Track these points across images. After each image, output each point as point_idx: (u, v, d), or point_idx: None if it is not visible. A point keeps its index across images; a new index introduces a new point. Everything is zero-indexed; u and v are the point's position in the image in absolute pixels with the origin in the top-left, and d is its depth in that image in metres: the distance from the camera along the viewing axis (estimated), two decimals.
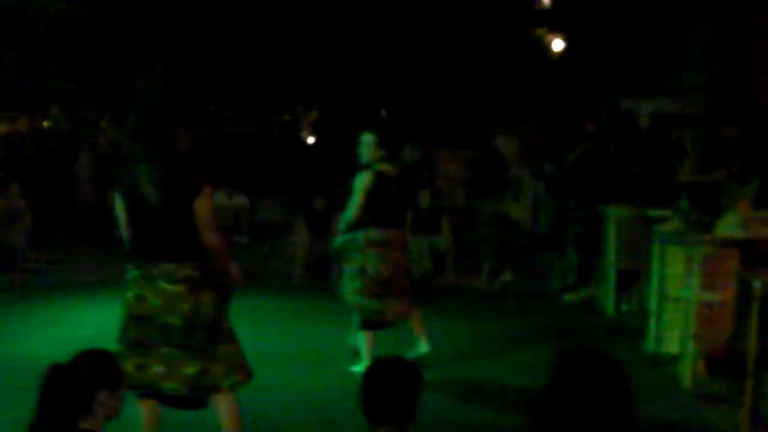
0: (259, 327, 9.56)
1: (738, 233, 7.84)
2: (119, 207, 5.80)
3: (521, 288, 12.63)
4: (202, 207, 5.63)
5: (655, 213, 9.69)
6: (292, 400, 7.61)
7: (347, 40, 22.19)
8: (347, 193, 8.42)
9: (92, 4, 21.55)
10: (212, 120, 19.20)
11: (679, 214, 8.69)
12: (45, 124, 19.60)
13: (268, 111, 20.24)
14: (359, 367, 8.11)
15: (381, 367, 4.02)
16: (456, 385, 8.06)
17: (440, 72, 21.99)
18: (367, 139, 8.33)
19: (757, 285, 6.72)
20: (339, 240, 8.54)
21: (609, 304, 10.85)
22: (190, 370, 5.66)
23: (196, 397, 5.81)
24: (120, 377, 4.24)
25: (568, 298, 11.74)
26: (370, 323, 8.30)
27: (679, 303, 8.39)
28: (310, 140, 19.77)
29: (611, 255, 10.73)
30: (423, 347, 8.62)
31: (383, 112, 20.31)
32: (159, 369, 5.67)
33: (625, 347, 9.00)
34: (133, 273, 5.76)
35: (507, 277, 12.88)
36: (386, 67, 22.24)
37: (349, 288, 8.33)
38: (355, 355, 8.46)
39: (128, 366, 5.60)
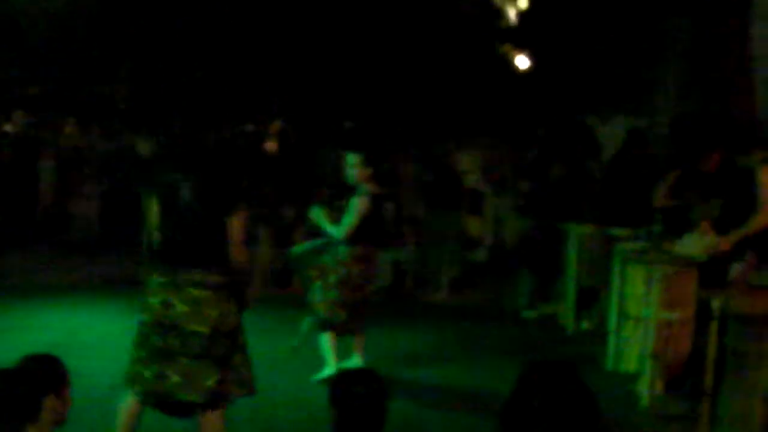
0: None
1: (698, 254, 7.89)
2: (153, 211, 5.96)
3: (481, 303, 12.66)
4: (236, 221, 5.76)
5: (617, 231, 9.73)
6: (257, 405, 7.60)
7: (312, 49, 22.18)
8: (310, 204, 8.51)
9: (57, 7, 21.46)
10: (176, 130, 19.09)
11: (652, 238, 8.71)
12: (7, 128, 19.41)
13: (232, 121, 20.14)
14: (325, 373, 8.15)
15: (347, 380, 4.02)
16: (417, 396, 8.10)
17: (405, 84, 22.02)
18: (353, 159, 8.39)
19: (715, 304, 6.77)
20: (301, 248, 8.60)
21: (569, 321, 10.86)
22: (209, 382, 5.72)
23: (210, 405, 5.83)
24: (65, 380, 4.23)
25: (528, 314, 11.75)
26: (333, 328, 8.34)
27: (639, 321, 8.41)
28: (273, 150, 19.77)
29: (572, 272, 10.76)
30: (357, 361, 8.65)
31: (347, 123, 20.24)
32: (177, 380, 5.71)
33: (584, 364, 8.88)
34: (158, 279, 5.80)
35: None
36: (352, 77, 22.25)
37: (321, 297, 8.37)
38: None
39: (147, 373, 5.75)
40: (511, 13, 21.27)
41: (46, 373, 4.13)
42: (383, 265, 12.78)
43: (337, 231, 8.35)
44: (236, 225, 5.77)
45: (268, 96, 23.10)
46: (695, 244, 7.99)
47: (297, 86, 22.62)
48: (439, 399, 8.21)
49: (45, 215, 17.54)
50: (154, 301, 5.77)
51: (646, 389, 7.93)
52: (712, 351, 6.86)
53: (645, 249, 8.60)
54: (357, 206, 8.32)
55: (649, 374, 7.92)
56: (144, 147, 17.93)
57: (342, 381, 4.02)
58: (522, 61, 21.99)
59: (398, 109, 21.51)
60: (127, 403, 5.98)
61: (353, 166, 8.40)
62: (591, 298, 10.74)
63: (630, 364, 8.69)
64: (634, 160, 11.14)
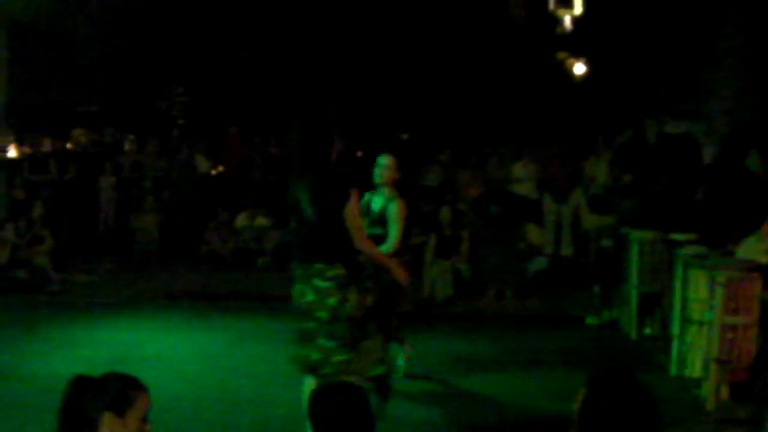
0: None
1: (762, 258, 7.80)
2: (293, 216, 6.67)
3: (542, 311, 12.61)
4: (349, 214, 6.37)
5: (678, 236, 9.65)
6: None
7: (368, 60, 22.23)
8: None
9: (114, 27, 21.68)
10: (234, 142, 19.25)
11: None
12: (68, 145, 19.67)
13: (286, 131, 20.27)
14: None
15: (324, 394, 3.95)
16: (478, 405, 8.07)
17: (462, 94, 22.00)
18: (385, 161, 8.41)
19: None
20: None
21: (632, 327, 10.80)
22: (337, 358, 6.36)
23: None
24: (130, 402, 4.09)
25: (590, 321, 11.70)
26: None
27: (702, 326, 8.32)
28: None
29: (633, 278, 10.68)
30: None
31: (405, 135, 20.31)
32: (317, 357, 6.40)
33: (648, 370, 8.92)
34: (297, 272, 6.50)
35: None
36: (409, 89, 22.26)
37: None
38: None
39: (302, 352, 6.49)
40: (566, 20, 21.19)
41: (108, 391, 4.05)
42: (444, 274, 12.82)
43: (388, 244, 8.20)
44: (350, 213, 6.37)
45: (323, 106, 23.18)
46: (756, 247, 7.89)
47: (352, 96, 22.65)
48: (499, 405, 8.16)
49: (106, 231, 17.75)
50: (295, 290, 6.50)
51: (711, 394, 7.83)
52: None
53: (707, 253, 8.54)
54: (397, 212, 8.29)
55: (713, 379, 7.82)
56: (202, 162, 18.14)
57: (319, 395, 3.95)
58: (578, 68, 21.89)
59: (454, 118, 21.49)
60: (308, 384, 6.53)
61: (386, 167, 8.43)
62: (653, 304, 10.61)
63: (694, 370, 8.57)
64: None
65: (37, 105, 20.94)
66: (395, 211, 8.29)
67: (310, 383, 6.47)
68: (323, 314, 6.35)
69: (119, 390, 4.09)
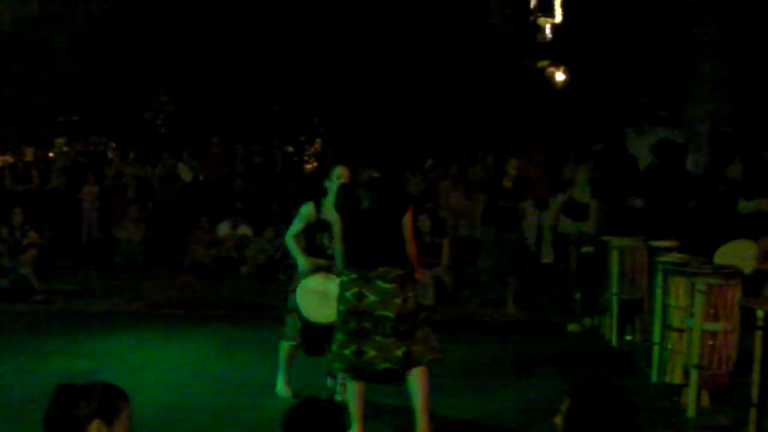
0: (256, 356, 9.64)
1: (747, 267, 7.87)
2: (337, 224, 7.20)
3: (524, 317, 12.64)
4: (407, 222, 7.07)
5: (658, 243, 9.70)
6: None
7: (352, 69, 22.27)
8: None
9: (98, 32, 21.66)
10: (217, 152, 19.27)
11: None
12: (50, 154, 19.66)
13: (272, 142, 20.30)
14: None
15: (300, 411, 3.98)
16: (457, 412, 8.08)
17: (444, 102, 22.05)
18: (341, 172, 8.28)
19: (760, 314, 6.75)
20: None
21: (612, 334, 10.85)
22: (398, 352, 6.95)
23: (401, 372, 7.06)
24: (119, 411, 4.09)
25: (572, 328, 11.73)
26: None
27: (683, 333, 8.33)
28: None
29: (614, 285, 10.73)
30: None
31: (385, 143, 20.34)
32: (374, 353, 6.94)
33: (628, 377, 9.02)
34: (351, 276, 6.99)
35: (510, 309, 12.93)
36: (391, 99, 22.30)
37: None
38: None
39: (347, 352, 7.01)
40: (547, 28, 21.30)
41: (96, 399, 4.05)
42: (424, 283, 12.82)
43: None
44: (408, 224, 7.08)
45: (308, 116, 23.24)
46: (741, 255, 7.96)
47: (335, 105, 22.70)
48: (479, 412, 8.16)
49: (89, 240, 17.73)
50: (348, 294, 6.97)
51: (692, 401, 7.86)
52: (757, 361, 6.83)
53: (687, 260, 8.59)
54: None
55: (694, 385, 7.86)
56: (185, 171, 18.15)
57: (293, 410, 3.99)
58: (558, 76, 22.00)
59: (433, 127, 21.55)
60: (359, 383, 7.14)
61: (341, 178, 8.27)
62: (634, 311, 10.69)
63: (675, 376, 8.54)
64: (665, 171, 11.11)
65: (19, 114, 20.91)
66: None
67: (353, 382, 7.12)
68: (389, 313, 6.91)
69: (107, 398, 4.09)
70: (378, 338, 6.96)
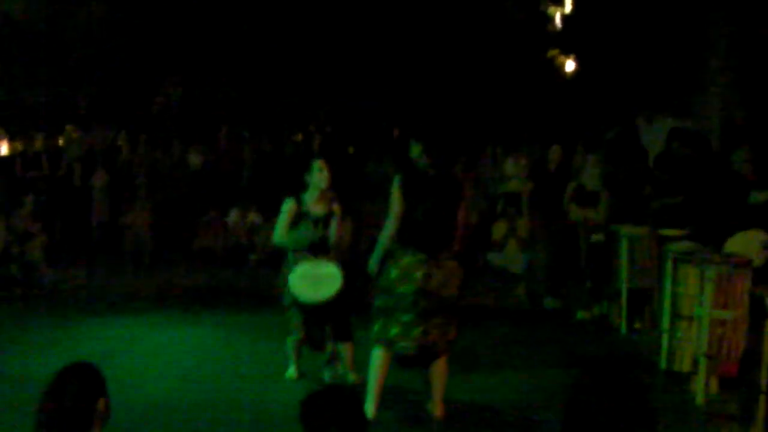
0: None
1: (755, 256, 7.84)
2: (397, 204, 7.29)
3: (533, 305, 12.65)
4: (462, 211, 7.44)
5: (668, 232, 9.68)
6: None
7: (360, 57, 22.25)
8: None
9: (107, 22, 21.67)
10: (227, 139, 19.27)
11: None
12: (60, 142, 19.68)
13: (282, 129, 20.29)
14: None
15: (318, 397, 3.92)
16: (465, 396, 8.07)
17: (454, 93, 22.02)
18: (322, 165, 8.51)
19: None
20: None
21: (621, 322, 10.83)
22: (451, 333, 7.35)
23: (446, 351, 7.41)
24: (105, 382, 4.21)
25: (581, 315, 11.72)
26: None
27: (692, 321, 8.32)
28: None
29: (624, 274, 10.72)
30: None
31: (396, 132, 20.29)
32: (436, 333, 7.23)
33: (637, 365, 9.03)
34: (418, 256, 7.18)
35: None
36: (399, 86, 22.28)
37: None
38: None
39: (415, 332, 7.20)
40: (557, 18, 21.24)
41: (94, 379, 4.16)
42: None
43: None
44: (462, 212, 7.41)
45: (316, 105, 23.22)
46: (747, 242, 7.93)
47: (344, 94, 22.68)
48: (492, 399, 8.13)
49: (98, 227, 17.75)
50: (418, 275, 7.15)
51: (701, 389, 7.82)
52: (766, 349, 6.82)
53: (696, 249, 8.57)
54: (340, 215, 8.73)
55: (703, 374, 7.82)
56: (194, 158, 18.16)
57: (313, 398, 3.93)
58: (568, 65, 21.94)
59: (446, 115, 21.49)
60: (381, 357, 7.31)
61: (324, 170, 8.51)
62: (643, 299, 10.68)
63: (684, 364, 8.54)
64: (677, 159, 11.04)
65: (29, 102, 20.93)
66: (339, 213, 8.58)
67: (379, 355, 7.30)
68: (451, 293, 7.27)
69: (97, 375, 4.18)
70: (438, 319, 7.25)
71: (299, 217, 8.40)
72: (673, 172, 10.92)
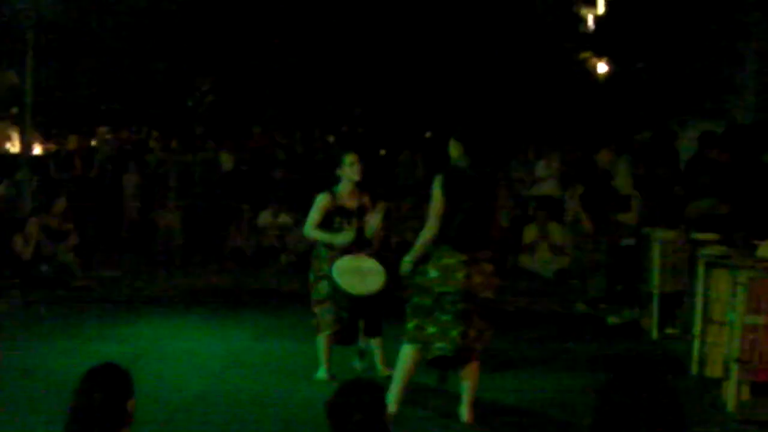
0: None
1: None
2: (439, 203, 7.22)
3: (564, 310, 12.59)
4: (497, 212, 7.64)
5: (700, 236, 9.60)
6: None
7: (390, 59, 22.23)
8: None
9: (139, 25, 21.74)
10: (258, 139, 19.31)
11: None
12: (93, 143, 19.78)
13: (313, 130, 20.30)
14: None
15: (347, 392, 3.94)
16: (493, 394, 8.11)
17: (485, 94, 21.97)
18: (354, 158, 8.63)
19: None
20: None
21: (653, 327, 10.77)
22: (488, 334, 7.40)
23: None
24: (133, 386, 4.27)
25: (612, 320, 11.64)
26: None
27: (724, 326, 8.26)
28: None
29: (655, 278, 10.66)
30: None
31: (428, 134, 20.31)
32: (474, 334, 7.22)
33: (668, 370, 8.95)
34: (460, 257, 7.13)
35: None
36: (432, 89, 22.25)
37: None
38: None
39: (454, 333, 7.14)
40: (589, 19, 21.15)
41: (123, 380, 4.23)
42: None
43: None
44: (497, 215, 7.65)
45: (350, 106, 23.24)
46: None
47: (375, 96, 22.69)
48: (520, 404, 8.14)
49: (130, 228, 17.82)
50: (459, 275, 7.10)
51: (732, 395, 7.76)
52: None
53: (729, 253, 8.50)
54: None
55: (734, 379, 7.76)
56: (226, 159, 18.19)
57: (341, 392, 3.95)
58: (601, 67, 21.84)
59: (477, 118, 21.45)
60: (412, 356, 7.30)
61: (358, 164, 8.61)
62: (675, 304, 10.58)
63: (715, 370, 8.46)
64: (709, 163, 10.97)
65: (62, 103, 21.04)
66: (382, 206, 8.78)
67: (409, 353, 7.28)
68: (490, 294, 7.27)
69: (126, 376, 4.26)
70: (477, 322, 7.23)
71: (333, 211, 8.48)
72: (712, 176, 10.81)
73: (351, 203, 8.53)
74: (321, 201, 8.54)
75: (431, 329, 7.19)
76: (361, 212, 8.57)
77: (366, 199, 8.65)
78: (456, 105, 21.73)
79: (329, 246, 8.43)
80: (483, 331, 7.33)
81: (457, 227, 7.19)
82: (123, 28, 21.62)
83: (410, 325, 7.29)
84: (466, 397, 7.40)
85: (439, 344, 7.19)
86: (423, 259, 7.26)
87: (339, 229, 8.48)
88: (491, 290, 7.31)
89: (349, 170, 8.49)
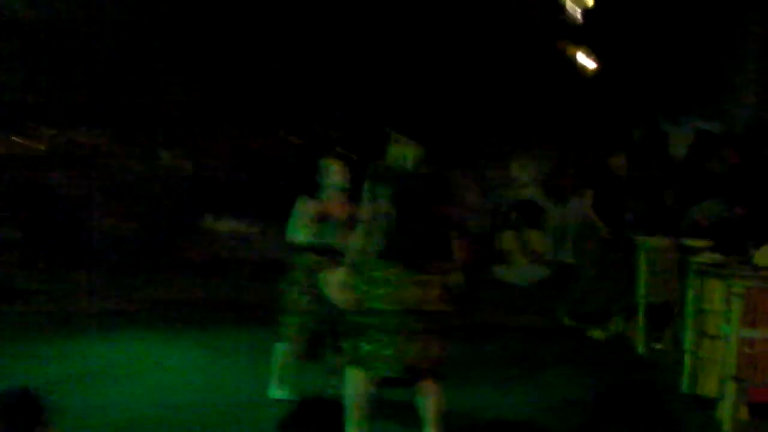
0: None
1: None
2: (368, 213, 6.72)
3: (544, 322, 12.26)
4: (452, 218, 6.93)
5: (691, 242, 9.17)
6: None
7: (364, 57, 21.97)
8: None
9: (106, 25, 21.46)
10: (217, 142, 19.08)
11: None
12: (42, 147, 19.43)
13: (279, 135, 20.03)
14: None
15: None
16: (470, 411, 7.91)
17: (464, 92, 21.69)
18: (338, 166, 8.37)
19: None
20: None
21: (639, 340, 10.47)
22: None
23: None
24: (45, 410, 4.21)
25: (597, 334, 11.32)
26: None
27: (718, 340, 7.93)
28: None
29: (641, 287, 10.41)
30: None
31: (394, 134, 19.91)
32: (412, 351, 6.52)
33: (658, 388, 8.76)
34: (390, 269, 6.51)
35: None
36: (408, 87, 21.99)
37: None
38: None
39: (369, 347, 6.54)
40: (577, 12, 20.86)
41: (33, 407, 4.16)
42: None
43: None
44: (455, 221, 6.84)
45: (324, 107, 23.02)
46: None
47: (354, 95, 22.40)
48: (498, 417, 7.96)
49: (81, 237, 17.33)
50: (389, 289, 6.52)
51: (728, 415, 7.43)
52: None
53: (723, 261, 8.15)
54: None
55: (730, 398, 7.44)
56: (185, 165, 17.96)
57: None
58: (588, 63, 21.55)
59: (454, 118, 21.17)
60: (355, 377, 6.65)
61: (342, 171, 8.38)
62: (663, 316, 10.22)
63: (709, 387, 8.14)
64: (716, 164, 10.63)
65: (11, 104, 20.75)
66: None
67: (352, 376, 6.64)
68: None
69: (36, 403, 4.21)
70: (416, 337, 6.57)
71: (319, 219, 8.18)
72: (721, 178, 10.43)
73: (339, 213, 8.18)
74: (309, 206, 8.21)
75: (366, 348, 6.62)
76: (351, 223, 8.08)
77: (355, 210, 8.15)
78: (432, 104, 21.42)
79: (317, 251, 8.13)
80: (427, 346, 6.62)
81: (387, 236, 6.61)
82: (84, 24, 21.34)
83: (346, 345, 6.81)
84: (429, 419, 6.79)
85: (376, 363, 6.63)
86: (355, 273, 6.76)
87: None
88: (443, 303, 6.59)
89: (335, 177, 8.20)
